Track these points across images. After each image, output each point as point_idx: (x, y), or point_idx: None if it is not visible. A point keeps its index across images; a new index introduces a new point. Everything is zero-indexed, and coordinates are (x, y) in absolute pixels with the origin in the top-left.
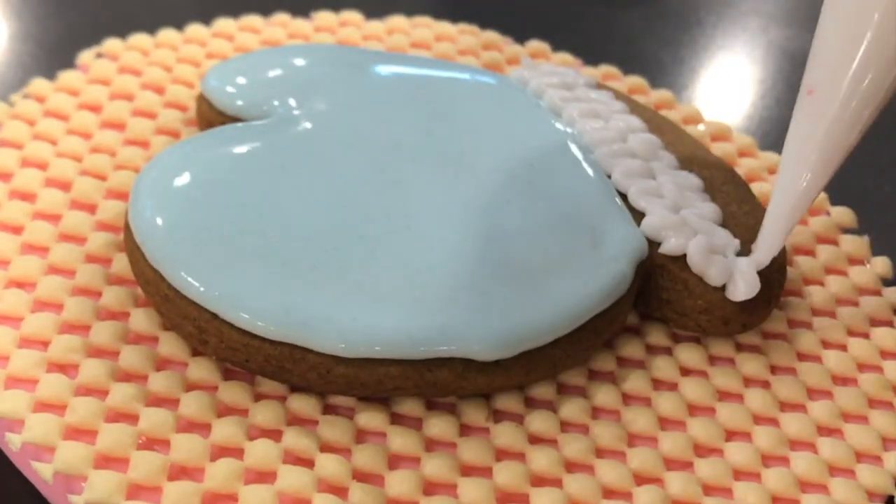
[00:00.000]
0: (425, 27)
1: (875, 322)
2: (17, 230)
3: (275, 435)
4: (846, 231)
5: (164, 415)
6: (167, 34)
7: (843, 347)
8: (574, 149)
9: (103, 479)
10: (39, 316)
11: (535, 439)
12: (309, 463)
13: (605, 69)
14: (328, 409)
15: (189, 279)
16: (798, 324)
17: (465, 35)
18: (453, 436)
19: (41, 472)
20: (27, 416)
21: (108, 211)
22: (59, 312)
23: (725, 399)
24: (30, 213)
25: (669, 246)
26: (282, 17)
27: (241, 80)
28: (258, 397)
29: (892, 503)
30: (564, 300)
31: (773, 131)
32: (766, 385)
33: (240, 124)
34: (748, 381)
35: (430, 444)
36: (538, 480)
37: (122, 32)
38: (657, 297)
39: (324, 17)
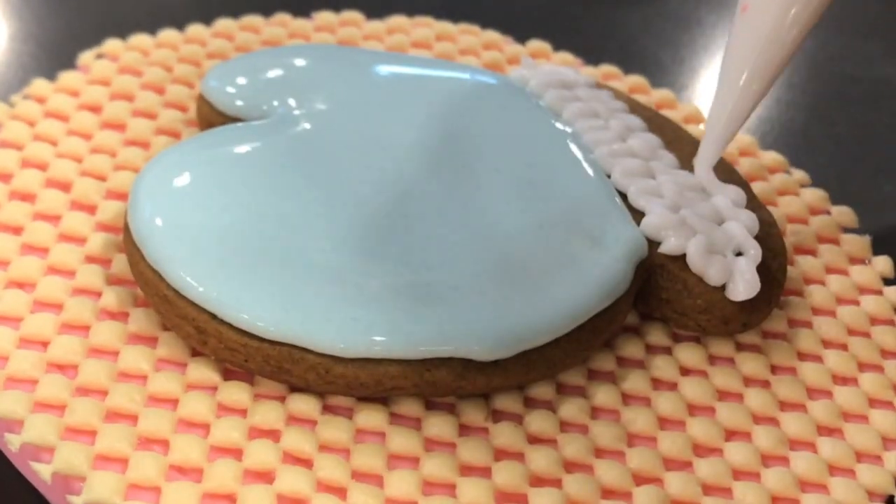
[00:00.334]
0: (426, 27)
1: (876, 321)
2: (17, 231)
3: (274, 435)
4: (847, 230)
5: (164, 415)
6: (167, 34)
7: (844, 347)
8: (574, 148)
9: (102, 479)
10: (39, 316)
11: (534, 439)
12: (308, 463)
13: (606, 69)
14: (327, 410)
15: (188, 279)
16: (798, 323)
17: (465, 35)
18: (452, 436)
19: (40, 473)
20: (26, 416)
21: (107, 211)
22: (58, 313)
23: (725, 399)
24: (30, 213)
25: (669, 245)
26: (282, 17)
27: (241, 81)
28: (257, 397)
29: (893, 503)
30: (564, 300)
31: (772, 131)
32: (766, 385)
33: (240, 124)
34: (748, 381)
35: (429, 444)
36: (537, 480)
37: (123, 33)
38: (657, 296)
39: (324, 16)
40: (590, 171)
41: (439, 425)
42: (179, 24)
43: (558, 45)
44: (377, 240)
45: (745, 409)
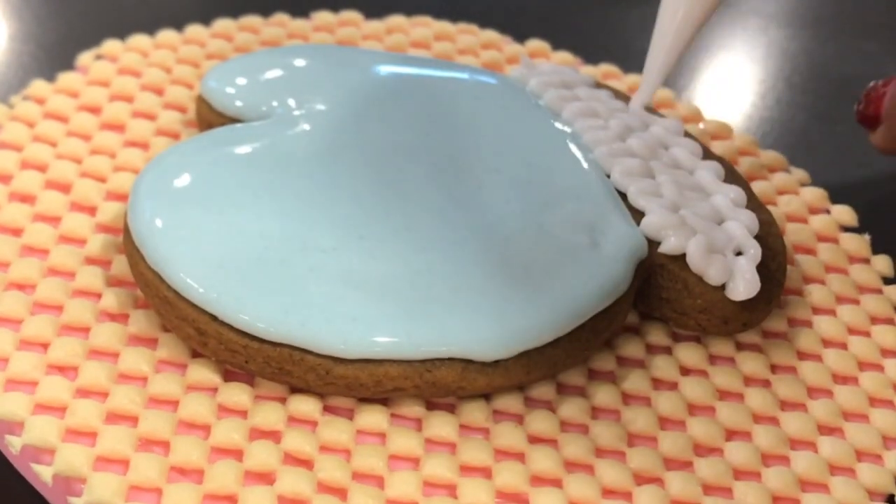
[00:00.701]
0: (425, 26)
1: (876, 320)
2: (16, 232)
3: (274, 436)
4: (846, 229)
5: (164, 416)
6: (166, 35)
7: (844, 346)
8: (573, 148)
9: (103, 480)
10: (39, 318)
11: (534, 439)
12: (308, 464)
13: (605, 68)
14: (328, 410)
15: (188, 281)
16: (798, 322)
17: (464, 34)
18: (453, 436)
19: (41, 475)
20: (27, 418)
21: (107, 213)
22: (58, 314)
23: (725, 398)
24: (30, 215)
25: (669, 245)
26: (281, 18)
27: (240, 81)
28: (258, 399)
29: (893, 502)
30: (564, 300)
31: (772, 130)
32: (766, 384)
33: (239, 125)
34: (748, 381)
35: (430, 445)
36: (538, 481)
37: (122, 33)
38: (657, 296)
39: (323, 16)
40: (589, 171)
41: (440, 426)
42: (178, 25)
43: (558, 45)
44: (377, 240)
45: (745, 408)
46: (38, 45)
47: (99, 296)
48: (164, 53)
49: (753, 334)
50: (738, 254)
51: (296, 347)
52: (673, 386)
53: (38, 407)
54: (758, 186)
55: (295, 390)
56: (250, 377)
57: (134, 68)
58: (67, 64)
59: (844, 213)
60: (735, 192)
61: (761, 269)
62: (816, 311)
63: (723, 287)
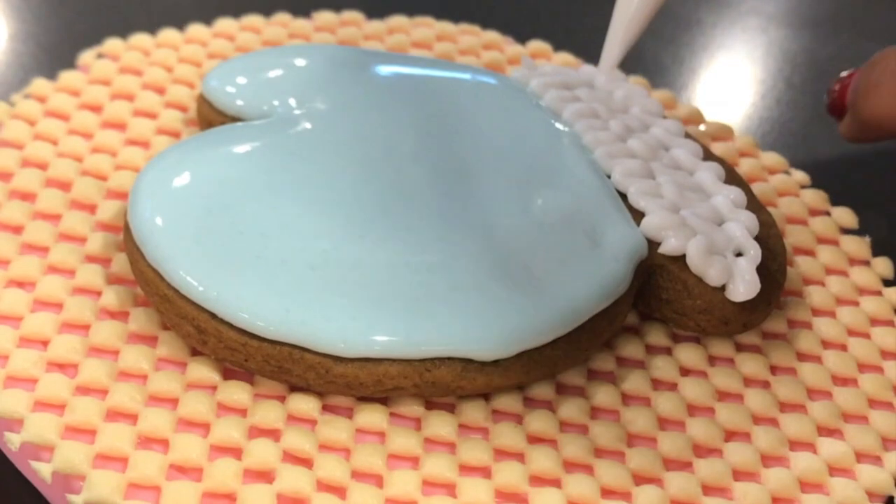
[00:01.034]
0: (426, 27)
1: (875, 322)
2: (17, 230)
3: (274, 434)
4: (846, 231)
5: (164, 414)
6: (168, 34)
7: (844, 347)
8: (574, 149)
9: (102, 478)
10: (39, 315)
11: (534, 439)
12: (308, 463)
13: None
14: (327, 409)
15: (188, 279)
16: (798, 324)
17: (466, 35)
18: (452, 435)
19: (40, 472)
20: (26, 415)
21: (107, 211)
22: (58, 312)
23: (725, 399)
24: (30, 212)
25: (669, 246)
26: (282, 17)
27: (241, 81)
28: (257, 397)
29: (892, 503)
30: (564, 300)
31: (772, 131)
32: (765, 385)
33: (240, 124)
34: (748, 381)
35: (429, 444)
36: (537, 480)
37: (123, 32)
38: (657, 297)
39: (324, 16)
40: (590, 172)
41: (439, 425)
42: (180, 24)
43: (558, 46)
44: (377, 240)
45: (744, 409)
46: (38, 45)
47: (99, 293)
48: (165, 52)
49: (753, 335)
50: (739, 255)
51: (295, 346)
52: (672, 386)
53: (38, 404)
54: (758, 188)
55: (294, 389)
56: (250, 375)
57: (135, 67)
58: (68, 63)
59: (844, 215)
60: (735, 193)
61: (761, 270)
62: (816, 312)
63: (723, 288)
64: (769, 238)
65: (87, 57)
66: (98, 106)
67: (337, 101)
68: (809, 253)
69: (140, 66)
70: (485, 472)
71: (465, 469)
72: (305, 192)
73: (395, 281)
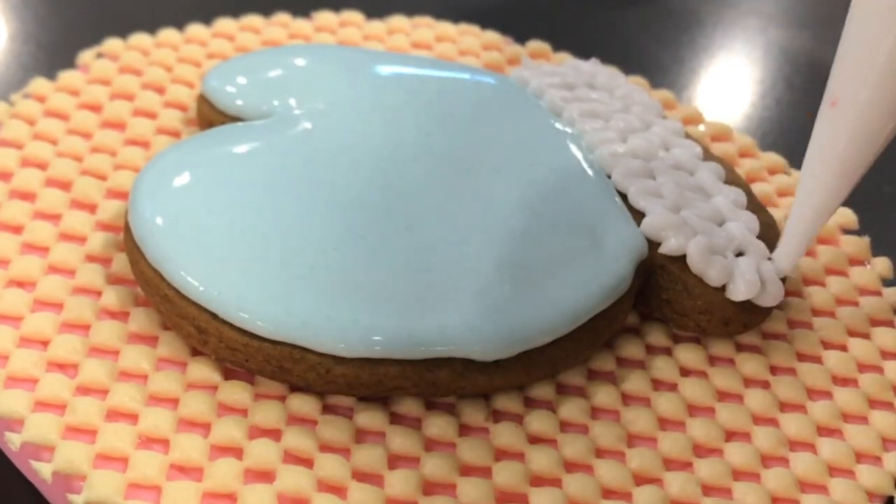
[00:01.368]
0: (426, 27)
1: (875, 322)
2: (17, 230)
3: (274, 435)
4: (846, 231)
5: (164, 414)
6: (167, 34)
7: (844, 348)
8: (574, 149)
9: (103, 478)
10: (39, 315)
11: (534, 439)
12: (308, 463)
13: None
14: (328, 409)
15: (189, 279)
16: (798, 324)
17: (465, 35)
18: (453, 436)
19: (40, 472)
20: (27, 415)
21: (108, 211)
22: (58, 312)
23: (725, 399)
24: (30, 212)
25: (669, 246)
26: (282, 18)
27: (241, 80)
28: (258, 397)
29: (893, 503)
30: (564, 300)
31: (772, 131)
32: (765, 385)
33: (240, 124)
34: (748, 382)
35: (430, 444)
36: (537, 480)
37: (123, 32)
38: (657, 297)
39: (324, 17)
40: (590, 172)
41: (440, 425)
42: (179, 24)
43: (558, 46)
44: (378, 240)
45: (745, 409)
46: (38, 45)
47: (99, 293)
48: (165, 52)
49: (753, 335)
50: (739, 255)
51: (296, 346)
52: (673, 387)
53: (38, 404)
54: (758, 188)
55: (295, 389)
56: (250, 375)
57: (135, 67)
58: (68, 63)
59: (844, 216)
60: (735, 193)
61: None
62: (816, 312)
63: (723, 288)
64: (769, 238)
65: (86, 57)
66: (98, 106)
67: (337, 101)
68: (809, 253)
69: (140, 66)
70: (485, 473)
71: (466, 469)
72: (306, 192)
73: (395, 281)
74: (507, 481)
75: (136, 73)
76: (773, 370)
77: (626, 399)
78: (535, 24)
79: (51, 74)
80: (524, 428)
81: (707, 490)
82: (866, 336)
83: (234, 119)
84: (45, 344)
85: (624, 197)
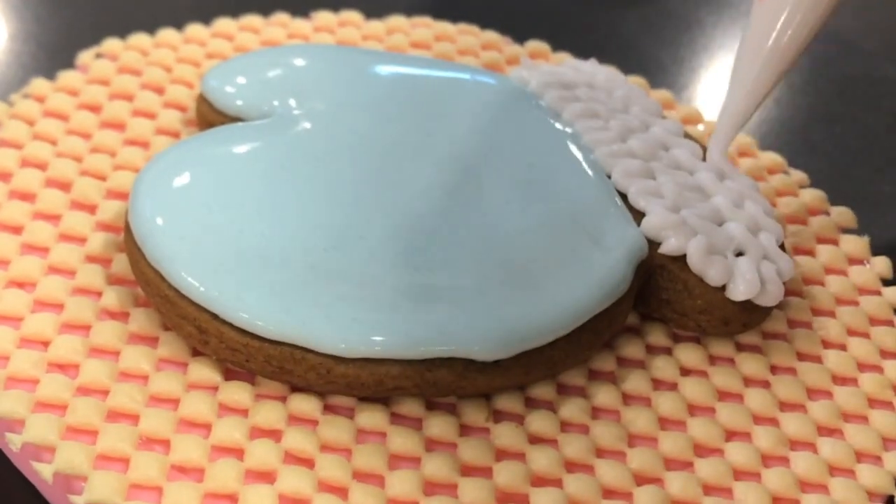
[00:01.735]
0: (425, 27)
1: (875, 322)
2: (17, 230)
3: (275, 435)
4: (846, 231)
5: (165, 415)
6: (167, 34)
7: (843, 347)
8: (574, 149)
9: (103, 479)
10: (39, 316)
11: (534, 439)
12: (309, 463)
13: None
14: (328, 410)
15: (189, 279)
16: (798, 324)
17: (464, 35)
18: (453, 436)
19: (41, 473)
20: (27, 416)
21: (108, 211)
22: (59, 312)
23: (725, 399)
24: (30, 213)
25: (669, 246)
26: (281, 17)
27: (240, 80)
28: (258, 397)
29: (893, 503)
30: (564, 300)
31: (772, 131)
32: (766, 385)
33: (239, 124)
34: (748, 381)
35: (430, 444)
36: (538, 480)
37: (122, 32)
38: (657, 297)
39: (323, 16)
40: (590, 172)
41: (440, 425)
42: (179, 24)
43: (558, 46)
44: (378, 240)
45: (745, 409)
46: (38, 45)
47: (99, 294)
48: (164, 52)
49: (753, 335)
50: (739, 254)
51: (297, 346)
52: (673, 386)
53: (39, 405)
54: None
55: (295, 389)
56: (251, 376)
57: (134, 67)
58: (67, 63)
59: (844, 215)
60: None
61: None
62: (816, 312)
63: (723, 288)
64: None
65: (85, 57)
66: (97, 106)
67: (336, 101)
68: (809, 253)
69: (139, 66)
70: (486, 473)
71: (466, 469)
72: (306, 192)
73: (395, 281)
74: (508, 481)
75: (135, 73)
76: (773, 370)
77: (627, 399)
78: (535, 23)
79: (50, 74)
80: (525, 428)
81: (708, 490)
82: (866, 335)
83: (234, 119)
84: (45, 344)
85: (624, 197)
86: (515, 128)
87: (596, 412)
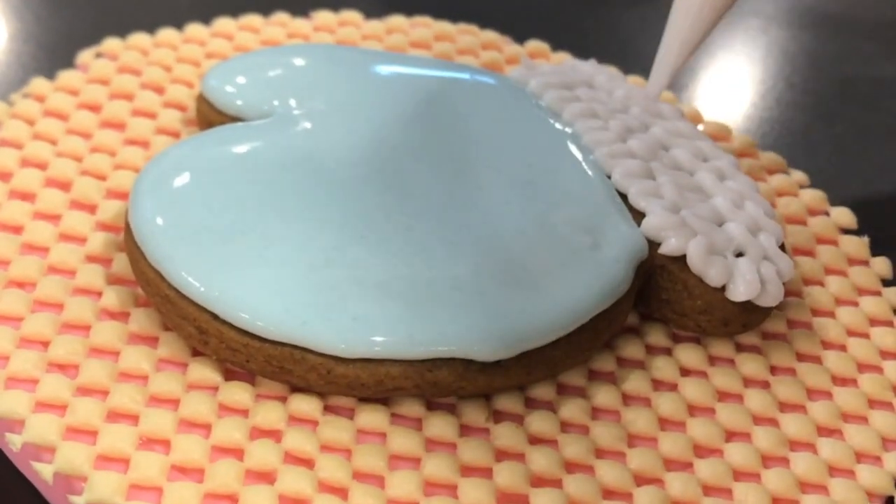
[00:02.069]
0: (424, 27)
1: (875, 322)
2: (17, 230)
3: (275, 435)
4: (846, 231)
5: (165, 415)
6: (167, 34)
7: (843, 348)
8: (574, 149)
9: (103, 479)
10: (39, 316)
11: (535, 440)
12: (309, 463)
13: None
14: (328, 410)
15: (189, 279)
16: (798, 324)
17: (464, 35)
18: (453, 436)
19: (41, 473)
20: (27, 416)
21: (108, 211)
22: (59, 312)
23: (725, 399)
24: (30, 212)
25: (669, 246)
26: (281, 17)
27: (240, 80)
28: (259, 398)
29: (893, 503)
30: (564, 300)
31: (772, 131)
32: (765, 385)
33: (240, 124)
34: (748, 382)
35: (431, 445)
36: (538, 481)
37: (122, 32)
38: (657, 297)
39: (323, 16)
40: (590, 172)
41: (440, 426)
42: (179, 24)
43: (557, 45)
44: (378, 240)
45: (745, 409)
46: (38, 45)
47: (99, 294)
48: (164, 52)
49: (753, 336)
50: (739, 255)
51: (297, 347)
52: (673, 387)
53: (39, 405)
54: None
55: (296, 389)
56: (251, 376)
57: (134, 67)
58: (67, 63)
59: (844, 215)
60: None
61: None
62: (816, 312)
63: (723, 288)
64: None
65: (85, 56)
66: (97, 105)
67: (337, 101)
68: (809, 253)
69: (139, 66)
70: (486, 473)
71: (467, 469)
72: (306, 193)
73: (396, 281)
74: (508, 482)
75: (135, 72)
76: (773, 370)
77: (627, 399)
78: (535, 23)
79: (50, 74)
80: (525, 428)
81: (707, 490)
82: (866, 336)
83: (234, 119)
84: (45, 345)
85: (624, 197)
86: (515, 128)
87: (596, 412)
